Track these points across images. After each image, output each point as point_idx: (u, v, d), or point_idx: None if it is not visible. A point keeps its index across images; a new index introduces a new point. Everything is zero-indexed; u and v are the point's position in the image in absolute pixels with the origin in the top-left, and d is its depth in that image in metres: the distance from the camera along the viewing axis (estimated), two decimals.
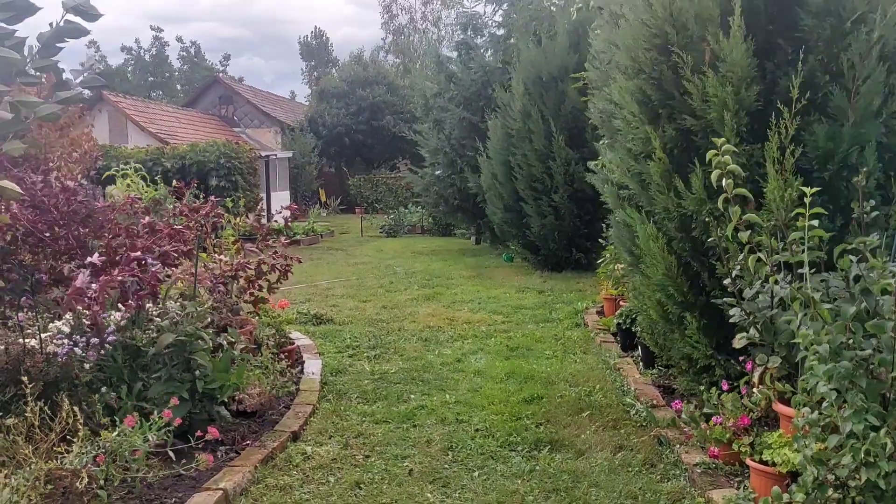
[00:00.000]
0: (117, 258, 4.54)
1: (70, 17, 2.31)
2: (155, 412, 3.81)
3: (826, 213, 3.48)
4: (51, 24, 2.31)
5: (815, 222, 3.34)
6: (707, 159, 3.86)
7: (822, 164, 3.88)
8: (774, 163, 3.83)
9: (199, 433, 3.92)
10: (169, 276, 4.97)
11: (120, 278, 4.17)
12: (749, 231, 3.70)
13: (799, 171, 3.81)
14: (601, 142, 6.21)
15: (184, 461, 3.83)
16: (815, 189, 3.38)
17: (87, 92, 2.61)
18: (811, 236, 3.36)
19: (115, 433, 3.59)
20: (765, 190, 3.85)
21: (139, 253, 4.46)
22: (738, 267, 3.73)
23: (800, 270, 3.37)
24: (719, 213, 3.90)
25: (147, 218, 5.07)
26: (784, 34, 4.09)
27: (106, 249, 4.70)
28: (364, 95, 31.35)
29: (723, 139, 3.84)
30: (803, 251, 3.37)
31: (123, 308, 4.47)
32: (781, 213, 3.70)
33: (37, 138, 11.47)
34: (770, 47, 4.14)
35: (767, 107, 3.97)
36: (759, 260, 3.63)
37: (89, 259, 4.22)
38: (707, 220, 4.10)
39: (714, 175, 3.76)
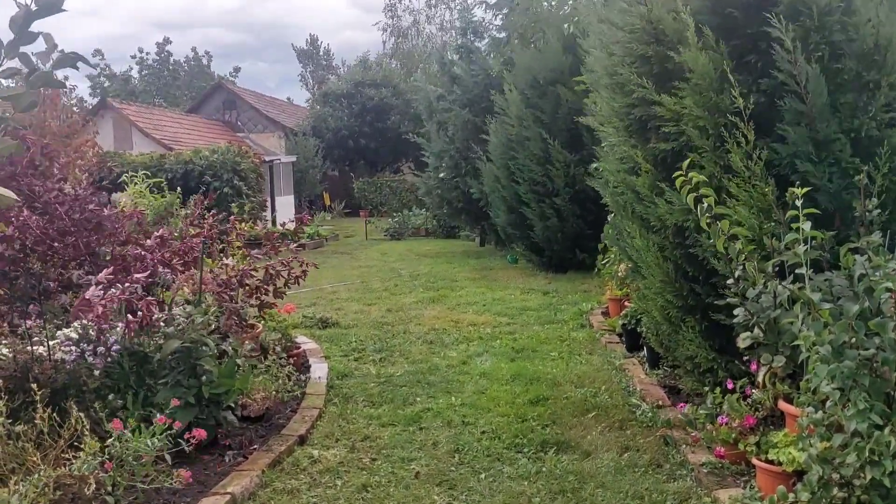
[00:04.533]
0: (126, 266, 4.58)
1: None
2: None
3: (819, 212, 3.50)
4: (19, 5, 2.14)
5: (808, 224, 3.36)
6: (678, 183, 3.91)
7: (792, 168, 3.90)
8: (742, 171, 3.87)
9: (187, 436, 3.84)
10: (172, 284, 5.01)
11: (121, 297, 4.20)
12: (738, 241, 3.73)
13: (777, 177, 3.85)
14: (602, 145, 6.22)
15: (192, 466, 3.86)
16: (805, 190, 3.40)
17: (56, 73, 2.44)
18: (809, 237, 3.38)
19: (114, 438, 3.59)
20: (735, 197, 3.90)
21: (142, 275, 4.50)
22: (741, 267, 3.74)
23: (797, 271, 3.37)
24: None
25: (161, 230, 5.11)
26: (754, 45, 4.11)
27: (113, 258, 4.74)
28: (370, 95, 31.40)
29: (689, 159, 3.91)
30: (795, 252, 3.39)
31: (130, 319, 4.50)
32: (754, 222, 3.73)
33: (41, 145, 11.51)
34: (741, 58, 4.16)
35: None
36: (759, 262, 3.65)
37: (98, 277, 4.26)
38: (695, 227, 4.12)
39: (690, 199, 3.81)
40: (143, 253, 4.85)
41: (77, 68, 2.40)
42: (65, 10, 2.20)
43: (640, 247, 4.73)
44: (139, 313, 4.31)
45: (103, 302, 4.16)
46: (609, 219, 7.49)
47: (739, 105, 3.81)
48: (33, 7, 2.13)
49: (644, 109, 4.47)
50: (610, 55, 4.66)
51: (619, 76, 4.57)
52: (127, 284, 4.34)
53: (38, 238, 4.44)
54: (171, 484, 3.67)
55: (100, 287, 4.16)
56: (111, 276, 4.38)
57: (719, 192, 4.00)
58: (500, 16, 14.70)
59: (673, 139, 4.28)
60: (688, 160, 3.94)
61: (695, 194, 3.81)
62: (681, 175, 3.86)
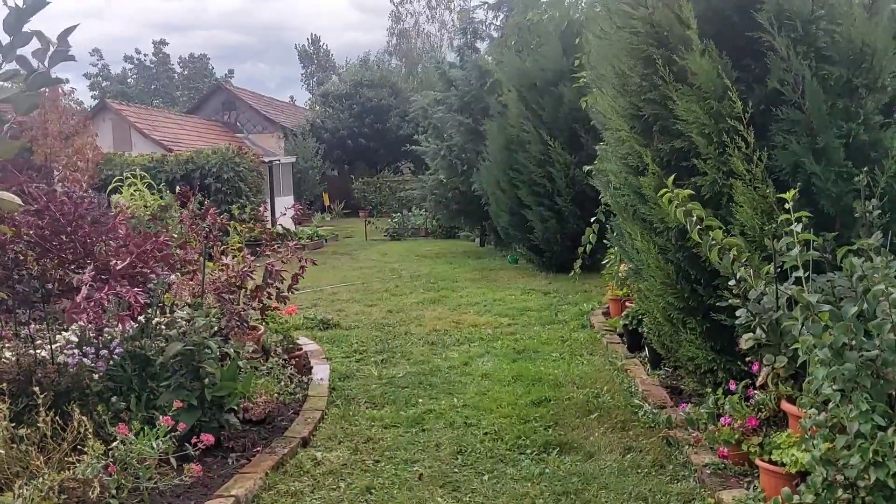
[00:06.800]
0: (122, 266, 4.56)
1: None
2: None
3: (810, 215, 3.51)
4: (8, 6, 2.09)
5: (800, 226, 3.37)
6: (665, 200, 3.94)
7: (793, 172, 3.91)
8: (745, 174, 3.88)
9: (193, 440, 3.87)
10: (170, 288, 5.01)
11: (104, 296, 4.19)
12: (732, 250, 3.74)
13: (776, 181, 3.87)
14: (600, 145, 6.22)
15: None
16: (792, 193, 3.41)
17: (55, 71, 2.39)
18: (805, 239, 3.39)
19: (118, 441, 3.59)
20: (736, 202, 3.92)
21: (123, 284, 4.47)
22: (742, 268, 3.74)
23: (795, 274, 3.38)
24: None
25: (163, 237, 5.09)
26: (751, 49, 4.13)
27: (112, 257, 4.72)
28: (370, 96, 31.40)
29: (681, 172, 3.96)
30: (791, 255, 3.40)
31: (122, 313, 4.48)
32: (756, 224, 3.74)
33: (43, 147, 11.51)
34: (740, 63, 4.17)
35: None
36: (758, 265, 3.67)
37: (84, 275, 4.24)
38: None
39: (679, 213, 3.83)
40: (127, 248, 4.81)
41: (74, 59, 2.36)
42: (49, 2, 2.17)
43: (641, 249, 4.74)
44: (120, 317, 4.30)
45: (91, 303, 4.15)
46: (592, 220, 7.55)
47: (738, 109, 3.82)
48: (20, 4, 2.10)
49: (651, 110, 4.47)
50: (615, 55, 4.64)
51: (625, 76, 4.57)
52: (115, 281, 4.32)
53: (34, 238, 4.42)
54: (181, 480, 3.67)
55: (88, 287, 4.15)
56: (93, 274, 4.35)
57: (721, 198, 4.01)
58: (501, 16, 14.71)
59: (685, 139, 4.28)
60: (672, 176, 3.96)
61: (683, 209, 3.83)
62: (667, 192, 3.88)
